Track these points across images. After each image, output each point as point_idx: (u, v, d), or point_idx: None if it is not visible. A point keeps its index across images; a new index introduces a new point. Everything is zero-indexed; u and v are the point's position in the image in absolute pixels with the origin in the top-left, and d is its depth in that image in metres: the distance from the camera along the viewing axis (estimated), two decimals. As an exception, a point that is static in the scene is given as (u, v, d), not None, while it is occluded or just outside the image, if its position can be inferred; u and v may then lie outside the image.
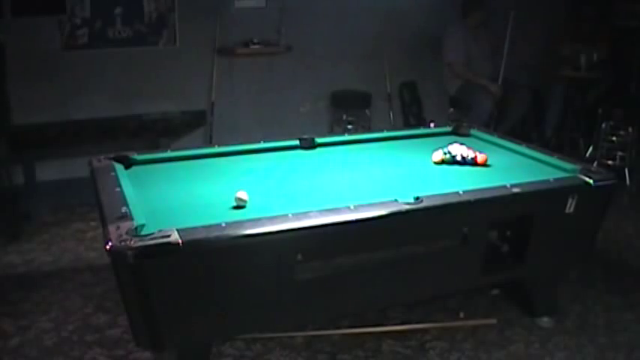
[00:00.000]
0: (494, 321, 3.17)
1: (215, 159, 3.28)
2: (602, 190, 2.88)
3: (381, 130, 3.94)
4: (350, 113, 5.73)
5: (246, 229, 2.24)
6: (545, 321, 3.17)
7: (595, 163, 4.83)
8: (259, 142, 3.44)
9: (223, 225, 2.24)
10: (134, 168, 3.09)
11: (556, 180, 2.88)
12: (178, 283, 2.20)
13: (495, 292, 3.44)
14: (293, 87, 5.70)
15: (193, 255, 2.17)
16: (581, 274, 3.61)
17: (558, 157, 3.21)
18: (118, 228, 2.21)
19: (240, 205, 2.54)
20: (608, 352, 2.98)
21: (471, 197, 2.62)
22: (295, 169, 3.16)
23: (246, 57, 5.50)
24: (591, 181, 2.83)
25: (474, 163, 3.17)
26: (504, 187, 2.72)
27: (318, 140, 3.53)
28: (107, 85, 5.08)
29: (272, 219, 2.32)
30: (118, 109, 5.11)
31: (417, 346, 2.99)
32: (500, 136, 3.71)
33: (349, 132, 5.08)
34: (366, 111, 5.78)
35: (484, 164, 3.17)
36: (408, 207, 2.48)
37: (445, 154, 3.21)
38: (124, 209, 2.39)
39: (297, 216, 2.34)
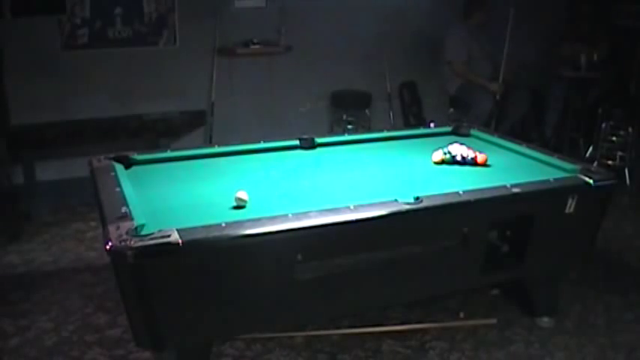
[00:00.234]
0: (494, 321, 3.17)
1: (215, 159, 3.28)
2: (602, 190, 2.88)
3: (381, 130, 3.94)
4: (350, 113, 5.73)
5: (246, 229, 2.24)
6: (545, 321, 3.17)
7: (595, 163, 4.83)
8: (259, 142, 3.44)
9: (223, 225, 2.24)
10: (134, 168, 3.09)
11: (556, 180, 2.88)
12: (178, 283, 2.20)
13: (495, 292, 3.44)
14: (293, 87, 5.70)
15: (193, 255, 2.17)
16: (581, 274, 3.61)
17: (558, 157, 3.21)
18: (118, 228, 2.21)
19: (240, 205, 2.54)
20: (608, 352, 2.99)
21: (471, 197, 2.62)
22: (295, 169, 3.16)
23: (246, 57, 5.50)
24: (591, 181, 2.83)
25: (474, 163, 3.17)
26: (504, 187, 2.72)
27: (318, 140, 3.53)
28: (107, 85, 5.08)
29: (272, 219, 2.32)
30: (118, 109, 5.11)
31: (417, 346, 2.99)
32: (500, 136, 3.71)
33: (349, 132, 5.08)
34: (366, 111, 5.78)
35: (484, 164, 3.17)
36: (408, 207, 2.48)
37: (445, 154, 3.21)
38: (124, 209, 2.39)
39: (297, 216, 2.34)
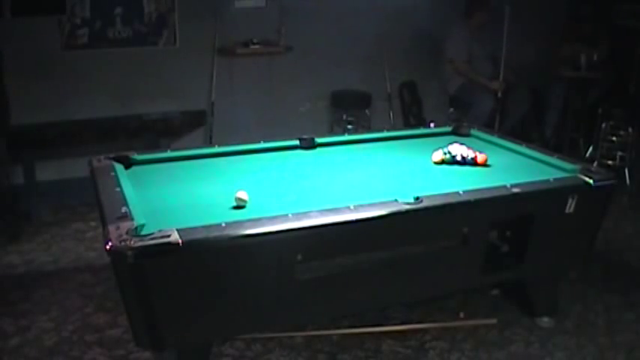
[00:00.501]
0: (494, 321, 3.17)
1: (215, 159, 3.28)
2: (602, 190, 2.88)
3: (381, 130, 3.94)
4: (350, 113, 5.73)
5: (246, 229, 2.24)
6: (545, 321, 3.17)
7: (595, 163, 4.83)
8: (259, 142, 3.44)
9: (223, 225, 2.24)
10: (134, 168, 3.09)
11: (556, 180, 2.88)
12: (178, 283, 2.20)
13: (495, 292, 3.44)
14: (293, 87, 5.70)
15: (193, 255, 2.17)
16: (581, 274, 3.61)
17: (558, 157, 3.21)
18: (118, 228, 2.21)
19: (240, 205, 2.54)
20: (608, 352, 2.99)
21: (471, 197, 2.62)
22: (295, 169, 3.16)
23: (246, 57, 5.49)
24: (591, 181, 2.83)
25: (474, 163, 3.17)
26: (504, 187, 2.72)
27: (318, 140, 3.53)
28: (107, 85, 5.08)
29: (272, 219, 2.32)
30: (118, 109, 5.11)
31: (417, 346, 2.99)
32: (500, 136, 3.71)
33: (349, 132, 5.08)
34: (366, 111, 5.78)
35: (484, 164, 3.17)
36: (408, 207, 2.48)
37: (445, 154, 3.21)
38: (124, 209, 2.39)
39: (297, 216, 2.34)
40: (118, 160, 3.07)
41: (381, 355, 2.92)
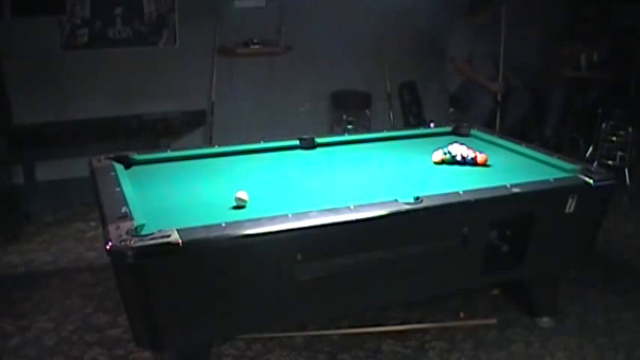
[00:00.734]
0: (494, 321, 3.17)
1: (215, 159, 3.28)
2: (602, 190, 2.88)
3: (381, 130, 3.94)
4: (350, 113, 5.73)
5: (246, 229, 2.24)
6: (545, 321, 3.17)
7: (595, 163, 4.83)
8: (259, 142, 3.44)
9: (223, 225, 2.24)
10: (134, 168, 3.09)
11: (556, 180, 2.88)
12: (178, 283, 2.20)
13: (495, 292, 3.44)
14: (293, 87, 5.70)
15: (193, 255, 2.17)
16: (581, 274, 3.61)
17: (558, 157, 3.21)
18: (118, 228, 2.21)
19: (240, 205, 2.54)
20: (608, 352, 2.99)
21: (471, 197, 2.62)
22: (295, 169, 3.16)
23: (246, 57, 5.50)
24: (591, 181, 2.83)
25: (474, 163, 3.17)
26: (504, 187, 2.72)
27: (318, 140, 3.53)
28: (107, 85, 5.08)
29: (272, 219, 2.32)
30: (118, 109, 5.11)
31: (417, 346, 2.99)
32: (500, 136, 3.71)
33: (349, 132, 5.08)
34: (366, 111, 5.78)
35: (484, 164, 3.17)
36: (408, 207, 2.48)
37: (445, 154, 3.21)
38: (124, 209, 2.39)
39: (297, 216, 2.34)
40: (118, 160, 3.07)
41: (381, 355, 2.92)
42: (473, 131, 3.79)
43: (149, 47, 5.21)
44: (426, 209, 2.50)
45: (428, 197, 2.55)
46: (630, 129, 5.19)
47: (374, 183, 2.94)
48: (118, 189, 2.64)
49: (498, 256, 2.91)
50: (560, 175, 2.98)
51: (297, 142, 3.49)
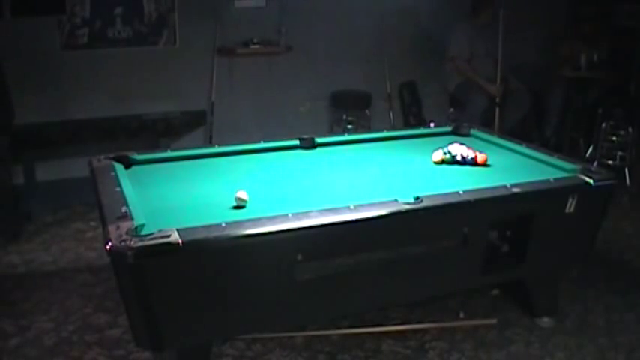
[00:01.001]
0: (494, 321, 3.17)
1: (215, 159, 3.28)
2: (602, 190, 2.88)
3: (381, 130, 3.94)
4: (350, 113, 5.73)
5: (246, 229, 2.24)
6: (545, 321, 3.16)
7: (595, 163, 4.83)
8: (259, 142, 3.44)
9: (223, 225, 2.24)
10: (134, 168, 3.09)
11: (556, 180, 2.88)
12: (178, 283, 2.20)
13: (495, 292, 3.44)
14: (293, 87, 5.70)
15: (193, 255, 2.17)
16: (581, 274, 3.61)
17: (558, 157, 3.21)
18: (118, 228, 2.21)
19: (240, 205, 2.54)
20: (608, 352, 2.98)
21: (471, 197, 2.62)
22: (295, 169, 3.16)
23: (246, 57, 5.50)
24: (591, 181, 2.83)
25: (474, 163, 3.17)
26: (504, 187, 2.72)
27: (318, 140, 3.53)
28: (107, 85, 5.08)
29: (272, 219, 2.31)
30: (118, 109, 5.11)
31: (417, 346, 2.99)
32: (500, 136, 3.72)
33: (349, 132, 5.08)
34: (366, 111, 5.78)
35: (484, 164, 3.17)
36: (408, 207, 2.48)
37: (445, 154, 3.21)
38: (124, 209, 2.39)
39: (297, 216, 2.34)
40: (118, 160, 3.07)
41: (381, 355, 2.92)
42: (473, 131, 3.79)
43: (149, 47, 5.21)
44: (426, 209, 2.50)
45: (428, 197, 2.55)
46: (630, 129, 5.19)
47: (374, 183, 2.94)
48: (118, 189, 2.64)
49: (498, 256, 2.91)
50: (560, 175, 2.98)
51: (297, 142, 3.49)
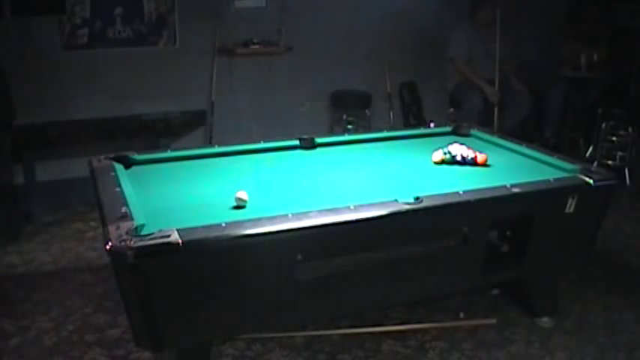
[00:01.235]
0: (494, 321, 3.17)
1: (215, 159, 3.28)
2: (602, 190, 2.88)
3: (381, 130, 3.94)
4: (350, 113, 5.73)
5: (246, 229, 2.24)
6: (545, 321, 3.16)
7: (595, 163, 4.83)
8: (259, 142, 3.44)
9: (223, 225, 2.24)
10: (134, 168, 3.09)
11: (556, 180, 2.88)
12: (178, 283, 2.20)
13: (495, 292, 3.44)
14: (293, 87, 5.70)
15: (193, 255, 2.17)
16: (581, 274, 3.61)
17: (558, 157, 3.21)
18: (118, 228, 2.21)
19: (240, 205, 2.54)
20: (608, 352, 2.98)
21: (471, 197, 2.62)
22: (295, 169, 3.16)
23: (246, 57, 5.50)
24: (591, 181, 2.83)
25: (474, 163, 3.17)
26: (504, 187, 2.72)
27: (318, 140, 3.53)
28: (107, 85, 5.08)
29: (272, 219, 2.32)
30: (118, 109, 5.11)
31: (417, 346, 2.99)
32: (500, 136, 3.72)
33: (349, 132, 5.08)
34: (366, 111, 5.78)
35: (484, 164, 3.17)
36: (408, 207, 2.48)
37: (445, 154, 3.21)
38: (124, 209, 2.39)
39: (297, 216, 2.34)
40: (118, 160, 3.07)
41: (381, 355, 2.92)
42: (473, 131, 3.79)
43: (149, 47, 5.21)
44: (426, 209, 2.50)
45: (428, 197, 2.55)
46: (630, 129, 5.19)
47: (374, 183, 2.94)
48: (118, 189, 2.64)
49: (498, 256, 2.91)
50: (560, 175, 2.97)
51: (297, 142, 3.49)
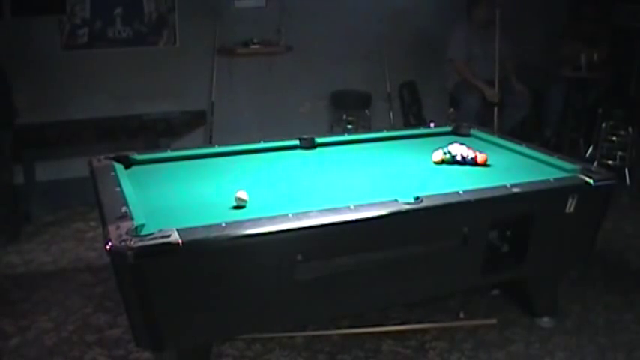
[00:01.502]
0: (494, 321, 3.17)
1: (215, 159, 3.28)
2: (602, 190, 2.88)
3: (381, 130, 3.94)
4: (350, 113, 5.73)
5: (246, 229, 2.24)
6: (545, 321, 3.17)
7: (595, 163, 4.83)
8: (259, 142, 3.44)
9: (223, 225, 2.24)
10: (134, 168, 3.09)
11: (556, 180, 2.88)
12: (178, 283, 2.20)
13: (495, 292, 3.44)
14: (293, 87, 5.70)
15: (193, 255, 2.17)
16: (581, 274, 3.61)
17: (558, 157, 3.21)
18: (118, 228, 2.21)
19: (240, 205, 2.54)
20: (608, 352, 2.98)
21: (471, 197, 2.62)
22: (295, 169, 3.16)
23: (246, 57, 5.50)
24: (591, 181, 2.83)
25: (474, 163, 3.17)
26: (504, 187, 2.72)
27: (318, 140, 3.53)
28: (107, 85, 5.08)
29: (272, 219, 2.31)
30: (118, 109, 5.11)
31: (417, 346, 2.99)
32: (500, 136, 3.71)
33: (349, 132, 5.08)
34: (366, 111, 5.78)
35: (484, 164, 3.17)
36: (408, 207, 2.48)
37: (445, 154, 3.21)
38: (124, 209, 2.39)
39: (297, 216, 2.34)
40: (118, 160, 3.07)
41: (381, 355, 2.92)
42: (473, 131, 3.79)
43: (149, 47, 5.21)
44: (426, 209, 2.50)
45: (428, 197, 2.55)
46: (630, 129, 5.19)
47: (374, 183, 2.94)
48: (118, 189, 2.64)
49: (498, 256, 2.91)
50: (560, 175, 2.97)
51: (297, 142, 3.49)
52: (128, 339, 2.93)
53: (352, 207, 2.43)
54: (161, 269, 2.15)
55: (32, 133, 4.68)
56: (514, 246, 2.92)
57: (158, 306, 2.20)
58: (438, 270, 2.72)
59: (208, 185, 2.89)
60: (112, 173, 2.87)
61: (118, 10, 5.04)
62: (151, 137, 4.95)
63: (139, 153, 3.21)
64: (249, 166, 3.19)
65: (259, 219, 2.31)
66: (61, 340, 3.01)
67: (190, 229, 2.19)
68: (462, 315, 3.21)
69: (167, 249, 2.10)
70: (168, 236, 2.13)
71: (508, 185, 2.72)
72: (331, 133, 5.31)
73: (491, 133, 3.92)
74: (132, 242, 2.10)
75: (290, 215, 2.34)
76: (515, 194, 2.69)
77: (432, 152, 3.26)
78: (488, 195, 2.67)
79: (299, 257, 2.33)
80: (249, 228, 2.25)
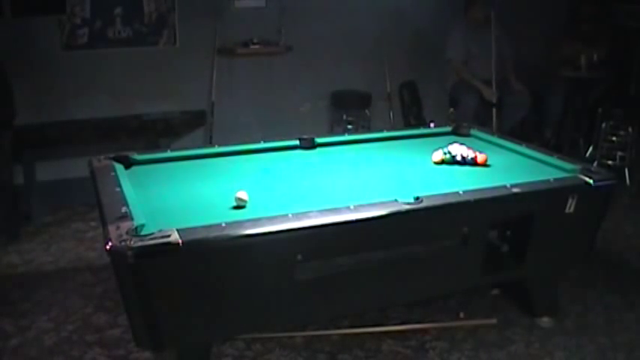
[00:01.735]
0: (494, 321, 3.17)
1: (215, 159, 3.28)
2: (602, 190, 2.88)
3: (381, 130, 3.94)
4: (350, 113, 5.73)
5: (246, 229, 2.24)
6: (545, 321, 3.16)
7: (595, 163, 4.83)
8: (259, 142, 3.44)
9: (223, 225, 2.24)
10: (134, 168, 3.09)
11: (556, 180, 2.88)
12: (178, 283, 2.20)
13: (495, 292, 3.44)
14: (293, 87, 5.70)
15: (193, 255, 2.17)
16: (581, 274, 3.61)
17: (558, 157, 3.21)
18: (118, 228, 2.21)
19: (240, 205, 2.54)
20: (608, 352, 2.98)
21: (471, 197, 2.62)
22: (295, 169, 3.16)
23: (246, 57, 5.50)
24: (591, 181, 2.83)
25: (474, 163, 3.17)
26: (504, 187, 2.72)
27: (318, 140, 3.53)
28: (107, 85, 5.08)
29: (272, 219, 2.32)
30: (118, 109, 5.10)
31: (417, 346, 2.99)
32: (500, 136, 3.72)
33: (349, 132, 5.08)
34: (366, 111, 5.78)
35: (484, 164, 3.17)
36: (408, 207, 2.48)
37: (445, 154, 3.21)
38: (124, 209, 2.39)
39: (297, 216, 2.34)
40: (118, 160, 3.07)
41: (381, 355, 2.92)
42: (473, 131, 3.79)
43: (149, 47, 5.21)
44: (426, 209, 2.50)
45: (428, 197, 2.55)
46: (630, 129, 5.19)
47: (374, 183, 2.94)
48: (118, 189, 2.64)
49: (498, 256, 2.91)
50: (560, 175, 2.98)
51: (297, 142, 3.49)
52: (128, 339, 2.93)
53: (352, 207, 2.43)
54: (161, 269, 2.15)
55: (32, 133, 4.68)
56: (514, 246, 2.92)
57: (158, 306, 2.20)
58: (438, 270, 2.72)
59: (208, 185, 2.89)
60: (112, 173, 2.87)
61: (118, 10, 5.04)
62: (150, 137, 4.95)
63: (139, 153, 3.21)
64: (249, 166, 3.19)
65: (259, 219, 2.31)
66: (61, 340, 3.01)
67: (190, 229, 2.19)
68: (462, 315, 3.21)
69: (167, 249, 2.10)
70: (168, 236, 2.13)
71: (508, 185, 2.72)
72: (331, 133, 5.31)
73: (491, 133, 3.91)
74: (132, 242, 2.10)
75: (290, 215, 2.34)
76: (515, 194, 2.69)
77: (432, 152, 3.26)
78: (488, 195, 2.67)
79: (299, 257, 2.33)
80: (249, 228, 2.25)
